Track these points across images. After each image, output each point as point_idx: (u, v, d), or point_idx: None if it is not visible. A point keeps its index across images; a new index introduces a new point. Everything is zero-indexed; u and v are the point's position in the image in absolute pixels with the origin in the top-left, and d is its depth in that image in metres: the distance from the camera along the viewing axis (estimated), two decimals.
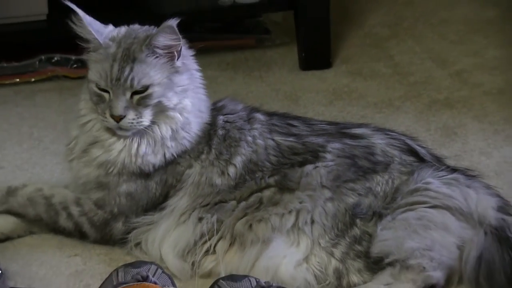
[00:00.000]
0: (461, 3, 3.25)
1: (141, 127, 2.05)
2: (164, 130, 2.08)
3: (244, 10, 2.89)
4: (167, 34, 2.03)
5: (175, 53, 2.06)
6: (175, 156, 2.08)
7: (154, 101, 2.04)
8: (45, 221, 2.13)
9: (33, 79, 2.82)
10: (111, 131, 2.09)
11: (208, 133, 2.10)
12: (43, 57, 2.83)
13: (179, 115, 2.07)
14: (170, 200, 2.08)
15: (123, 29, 2.13)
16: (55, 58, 2.83)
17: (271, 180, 2.05)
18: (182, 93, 2.07)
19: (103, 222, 2.11)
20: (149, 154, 2.08)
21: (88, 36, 2.08)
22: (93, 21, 2.10)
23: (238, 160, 2.07)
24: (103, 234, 2.11)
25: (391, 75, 2.84)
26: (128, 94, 2.04)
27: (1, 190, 2.16)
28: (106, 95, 2.06)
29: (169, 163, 2.08)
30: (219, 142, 2.09)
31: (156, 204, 2.09)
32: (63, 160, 2.22)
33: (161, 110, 2.06)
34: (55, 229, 2.13)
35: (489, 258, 1.93)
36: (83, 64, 2.76)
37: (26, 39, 2.80)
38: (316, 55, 2.88)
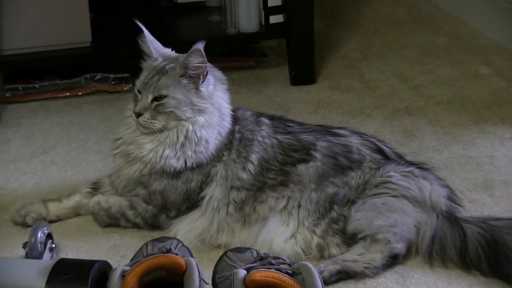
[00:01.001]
0: (417, 33, 3.24)
1: (155, 127, 2.04)
2: (176, 136, 2.05)
3: (246, 38, 2.89)
4: (195, 56, 2.03)
5: (201, 76, 2.05)
6: (195, 165, 2.07)
7: (167, 110, 2.04)
8: (109, 223, 2.14)
9: (80, 93, 2.83)
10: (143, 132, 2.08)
11: (229, 139, 2.09)
12: (87, 76, 2.83)
13: (190, 126, 2.05)
14: (205, 190, 2.07)
15: (175, 52, 2.14)
16: (97, 76, 2.83)
17: (279, 180, 2.05)
18: (197, 111, 2.05)
19: (152, 217, 2.11)
20: (171, 157, 2.06)
21: (146, 50, 2.11)
22: (154, 40, 2.13)
23: (254, 158, 2.07)
24: (153, 226, 2.12)
25: (362, 89, 2.84)
26: (150, 98, 2.04)
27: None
28: (139, 96, 2.07)
29: (193, 168, 2.07)
30: (237, 144, 2.08)
31: (192, 198, 2.08)
32: (109, 151, 2.22)
33: (175, 119, 2.05)
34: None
35: (441, 235, 1.96)
36: (119, 81, 2.84)
37: (75, 61, 2.79)
38: (303, 73, 2.88)
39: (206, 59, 2.03)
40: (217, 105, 2.09)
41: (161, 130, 2.05)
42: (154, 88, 2.04)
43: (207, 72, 2.06)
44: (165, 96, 2.04)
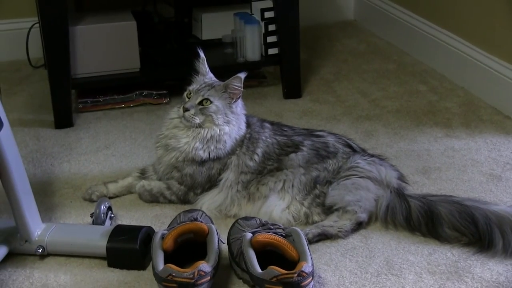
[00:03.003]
0: (374, 61, 3.21)
1: (194, 122, 2.02)
2: (207, 133, 2.04)
3: (251, 65, 2.86)
4: (236, 81, 2.02)
5: (235, 98, 2.05)
6: (216, 158, 2.04)
7: (208, 113, 2.03)
8: (151, 201, 2.12)
9: (131, 105, 2.80)
10: (182, 128, 2.07)
11: (241, 139, 2.07)
12: (137, 92, 2.81)
13: (218, 130, 2.03)
14: (223, 175, 2.05)
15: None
16: (144, 93, 2.81)
17: (275, 165, 2.03)
18: (226, 122, 2.04)
19: (183, 194, 2.09)
20: (199, 149, 2.04)
21: (202, 69, 2.11)
22: (206, 62, 2.12)
23: (259, 151, 2.05)
24: (184, 201, 2.09)
25: (335, 101, 2.80)
26: (198, 100, 2.03)
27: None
28: (187, 99, 2.05)
29: (214, 159, 2.05)
30: (247, 142, 2.06)
31: (212, 181, 2.05)
32: (153, 146, 2.21)
33: (209, 121, 2.04)
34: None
35: (393, 205, 1.95)
36: (160, 96, 2.81)
37: (128, 82, 2.79)
38: (292, 90, 2.85)
39: (243, 85, 2.03)
40: (239, 122, 2.08)
41: (197, 126, 2.04)
42: (204, 94, 2.03)
43: (240, 96, 2.06)
44: (211, 102, 2.02)
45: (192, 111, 2.03)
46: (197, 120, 2.03)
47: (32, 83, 3.05)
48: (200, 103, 2.03)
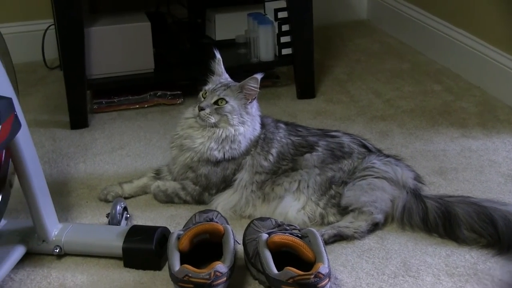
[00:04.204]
0: (387, 61, 3.19)
1: (209, 121, 2.02)
2: (222, 132, 2.03)
3: (265, 65, 2.86)
4: (253, 82, 2.02)
5: (250, 98, 2.04)
6: (230, 158, 2.04)
7: (223, 112, 2.02)
8: (166, 201, 2.11)
9: (146, 106, 2.80)
10: (197, 129, 2.06)
11: (256, 140, 2.06)
12: (151, 93, 2.81)
13: (233, 131, 2.03)
14: (237, 175, 2.04)
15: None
16: (158, 93, 2.81)
17: (290, 165, 2.02)
18: (241, 122, 2.04)
19: (198, 194, 2.08)
20: (214, 149, 2.03)
21: (218, 70, 2.10)
22: (222, 63, 2.12)
23: (274, 151, 2.04)
24: (199, 201, 2.09)
25: (348, 102, 2.79)
26: (213, 100, 2.03)
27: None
28: (202, 99, 2.05)
29: (229, 160, 2.04)
30: (261, 142, 2.05)
31: (227, 181, 2.05)
32: (167, 146, 2.21)
33: (224, 121, 2.03)
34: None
35: (409, 206, 1.94)
36: (174, 97, 2.81)
37: (142, 82, 2.79)
38: (306, 90, 2.84)
39: (259, 86, 2.03)
40: (254, 123, 2.07)
41: (212, 126, 2.03)
42: (219, 94, 2.03)
43: (255, 97, 2.06)
44: (226, 102, 2.02)
45: (207, 111, 2.02)
46: (212, 119, 2.02)
47: (47, 84, 3.06)
48: (216, 102, 2.03)
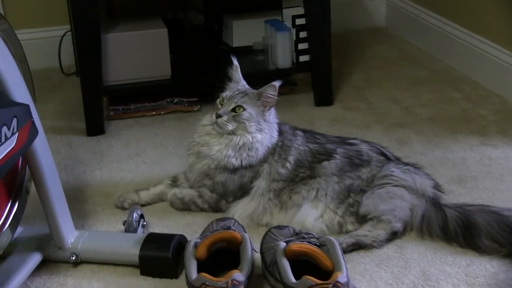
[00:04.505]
0: (405, 68, 3.19)
1: (227, 128, 2.02)
2: (239, 140, 2.03)
3: (282, 72, 2.85)
4: (271, 89, 2.02)
5: (268, 106, 2.04)
6: (248, 165, 2.04)
7: (241, 120, 2.02)
8: (183, 209, 2.11)
9: (162, 112, 2.80)
10: (214, 136, 2.06)
11: (273, 147, 2.06)
12: (168, 99, 2.81)
13: (250, 138, 2.03)
14: (254, 182, 2.04)
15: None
16: (175, 100, 2.81)
17: (308, 173, 2.02)
18: (259, 130, 2.04)
19: (215, 202, 2.08)
20: (232, 157, 2.03)
21: (236, 76, 2.10)
22: (239, 69, 2.12)
23: (291, 159, 2.03)
24: (216, 209, 2.09)
25: (366, 109, 2.79)
26: (231, 107, 2.03)
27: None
28: (219, 106, 2.05)
29: (246, 167, 2.04)
30: (279, 149, 2.05)
31: (244, 189, 2.05)
32: (184, 153, 2.21)
33: (242, 128, 2.03)
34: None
35: (428, 215, 1.93)
36: (191, 103, 2.81)
37: (159, 89, 2.79)
38: (324, 98, 2.84)
39: (277, 93, 2.03)
40: (271, 130, 2.07)
41: (229, 133, 2.03)
42: (237, 101, 2.03)
43: (273, 105, 2.06)
44: (244, 109, 2.02)
45: (225, 118, 2.02)
46: (230, 127, 2.02)
47: (64, 90, 3.07)
48: (233, 109, 2.03)
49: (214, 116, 2.05)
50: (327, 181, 2.00)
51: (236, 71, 2.11)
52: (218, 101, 2.08)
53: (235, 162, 2.04)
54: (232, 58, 2.11)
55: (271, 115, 2.07)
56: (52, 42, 3.24)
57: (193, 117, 2.73)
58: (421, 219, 1.93)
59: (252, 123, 2.03)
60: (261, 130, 2.04)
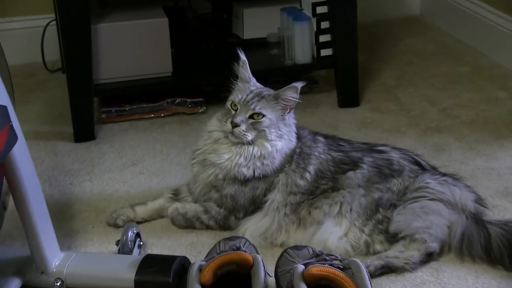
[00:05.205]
0: (443, 63, 3.20)
1: (245, 139, 2.02)
2: (256, 150, 2.03)
3: (301, 68, 2.87)
4: (292, 91, 2.02)
5: (289, 108, 2.04)
6: (261, 176, 2.04)
7: (261, 128, 2.02)
8: (186, 226, 2.12)
9: (162, 115, 2.82)
10: (225, 143, 2.07)
11: (290, 155, 2.06)
12: (169, 100, 2.82)
13: (269, 147, 2.03)
14: (268, 196, 2.04)
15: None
16: (177, 101, 2.82)
17: (330, 185, 2.02)
18: (279, 136, 2.04)
19: (223, 219, 2.08)
20: (243, 166, 2.03)
21: (244, 75, 2.10)
22: (248, 66, 2.11)
23: (311, 168, 2.03)
24: (224, 226, 2.09)
25: (398, 111, 2.80)
26: (248, 114, 2.02)
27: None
28: (233, 111, 2.04)
29: (259, 178, 2.04)
30: (297, 157, 2.05)
31: (257, 203, 2.05)
32: (187, 163, 2.22)
33: (261, 137, 2.03)
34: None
35: (469, 233, 1.92)
36: (195, 105, 2.82)
37: (158, 88, 2.81)
38: (349, 98, 2.85)
39: (298, 95, 2.03)
40: (291, 135, 2.07)
41: (249, 143, 2.03)
42: (255, 107, 2.02)
43: (294, 107, 2.06)
44: (263, 116, 2.02)
45: (243, 127, 2.02)
46: (249, 137, 2.02)
47: (48, 89, 3.10)
48: (251, 116, 2.03)
49: (228, 124, 2.04)
50: (352, 194, 2.00)
51: (244, 68, 2.10)
52: (229, 105, 2.07)
53: (247, 172, 2.04)
54: (239, 52, 2.10)
55: (291, 118, 2.08)
56: (33, 33, 3.25)
57: (197, 120, 2.74)
58: (460, 238, 1.93)
59: (273, 130, 2.04)
60: (281, 136, 2.04)
